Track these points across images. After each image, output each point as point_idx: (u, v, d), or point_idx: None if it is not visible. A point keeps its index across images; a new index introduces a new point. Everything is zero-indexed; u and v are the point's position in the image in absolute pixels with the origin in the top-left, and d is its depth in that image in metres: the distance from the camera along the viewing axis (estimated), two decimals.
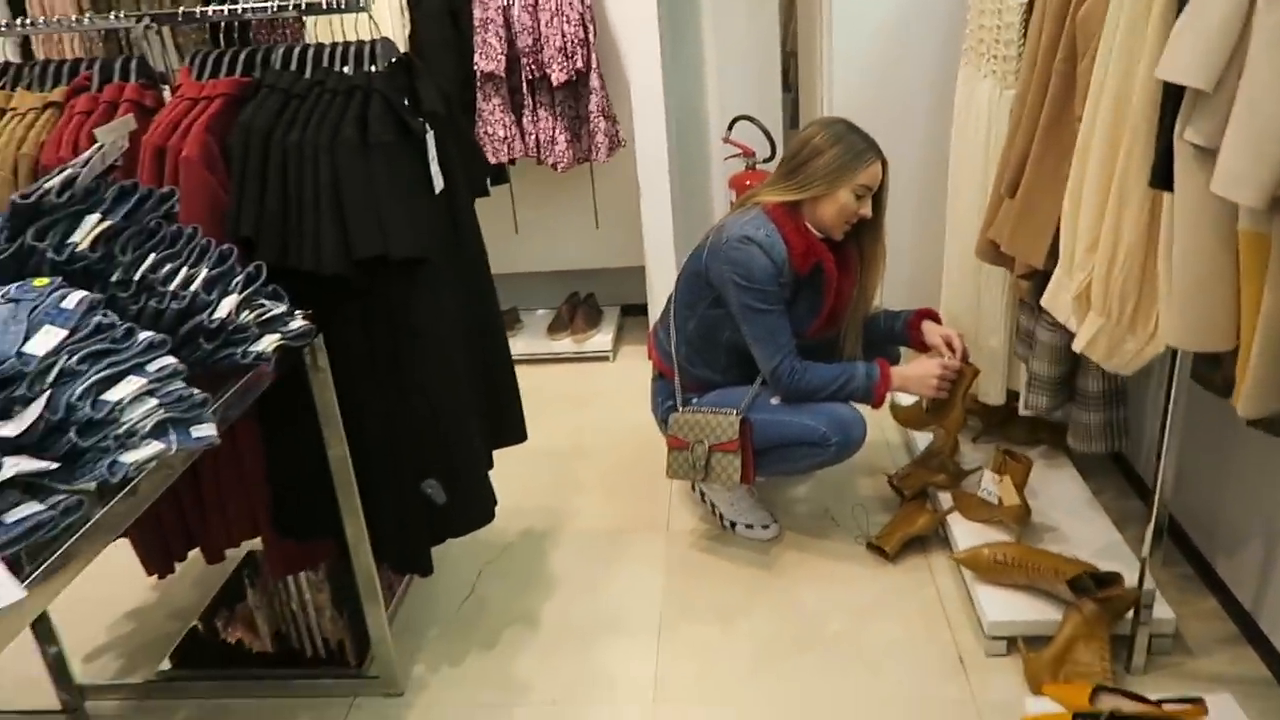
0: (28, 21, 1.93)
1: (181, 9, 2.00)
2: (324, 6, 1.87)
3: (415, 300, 1.73)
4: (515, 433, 2.18)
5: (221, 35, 2.85)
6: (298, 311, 1.57)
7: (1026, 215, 1.73)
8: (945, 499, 2.32)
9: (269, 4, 1.86)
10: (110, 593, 2.33)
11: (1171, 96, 1.15)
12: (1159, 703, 1.65)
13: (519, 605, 2.24)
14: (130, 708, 2.02)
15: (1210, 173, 1.09)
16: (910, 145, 2.65)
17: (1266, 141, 1.02)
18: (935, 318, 2.30)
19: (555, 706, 1.93)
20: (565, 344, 3.55)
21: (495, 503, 2.02)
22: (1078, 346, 1.53)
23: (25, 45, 2.98)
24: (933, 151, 2.64)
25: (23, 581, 0.99)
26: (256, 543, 2.00)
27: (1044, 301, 1.67)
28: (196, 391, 1.25)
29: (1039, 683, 1.81)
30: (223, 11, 1.90)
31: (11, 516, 1.01)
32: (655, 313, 3.11)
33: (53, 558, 1.04)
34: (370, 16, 1.93)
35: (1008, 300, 2.24)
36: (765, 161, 3.24)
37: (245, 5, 1.88)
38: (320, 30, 2.80)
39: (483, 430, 1.99)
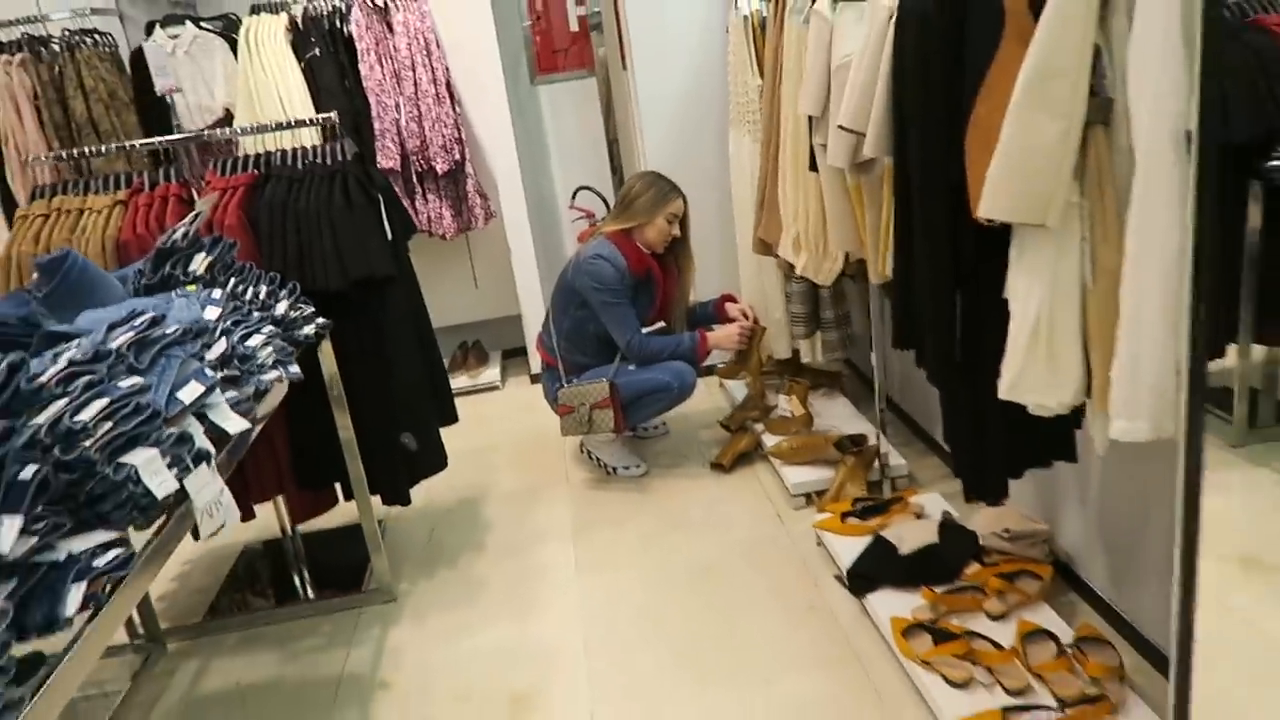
0: (84, 151, 2.71)
1: (207, 132, 2.83)
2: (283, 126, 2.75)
3: (386, 306, 2.60)
4: (451, 414, 3.03)
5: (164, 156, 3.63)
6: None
7: (771, 213, 2.78)
8: (759, 427, 3.31)
9: (247, 129, 2.73)
10: None
11: (808, 121, 2.19)
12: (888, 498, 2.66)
13: (468, 539, 3.06)
14: (189, 644, 2.71)
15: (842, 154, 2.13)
16: (706, 187, 3.69)
17: (841, 137, 2.04)
18: (733, 299, 3.33)
19: (508, 591, 2.76)
20: (463, 380, 4.40)
21: (446, 456, 2.87)
22: (798, 271, 2.57)
23: None
24: (721, 188, 3.69)
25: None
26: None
27: (779, 251, 2.71)
28: (288, 345, 2.09)
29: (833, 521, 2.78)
30: (225, 133, 2.75)
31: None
32: (532, 355, 4.03)
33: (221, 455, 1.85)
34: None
35: (781, 283, 3.28)
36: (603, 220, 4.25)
37: (237, 129, 2.74)
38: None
39: (433, 404, 2.84)
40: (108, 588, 1.24)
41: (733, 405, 3.57)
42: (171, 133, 3.22)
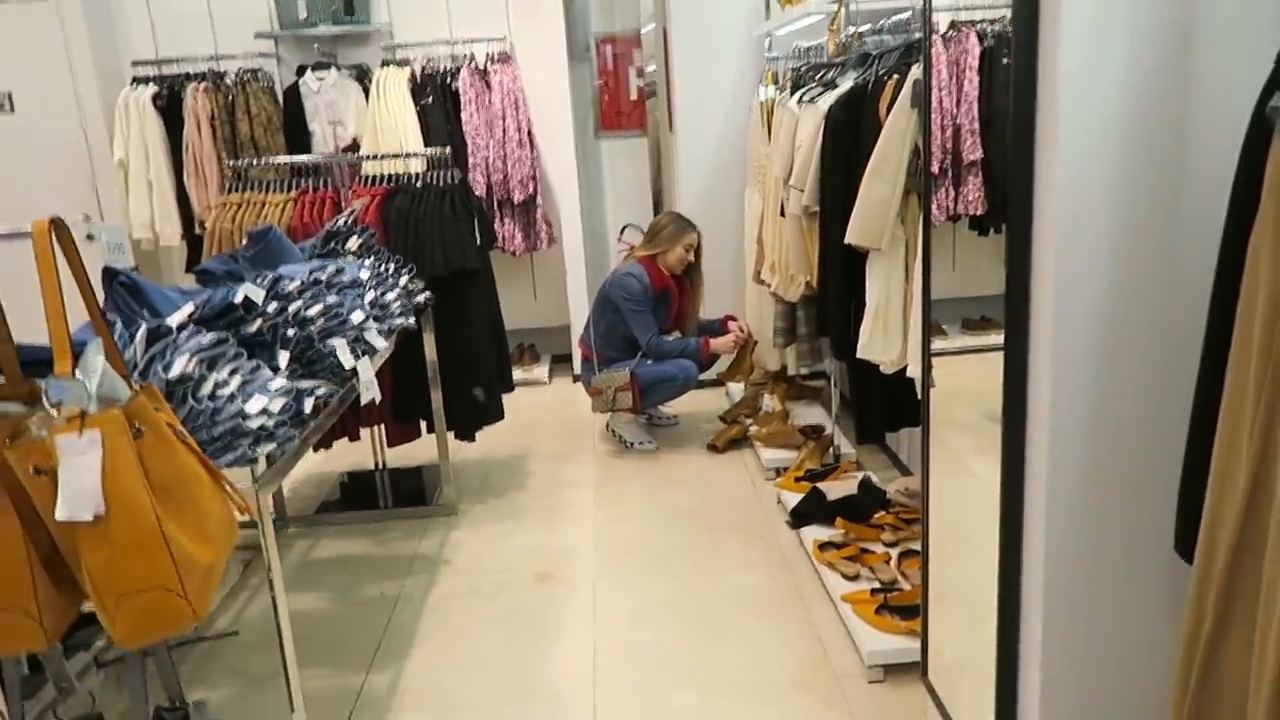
0: (249, 161, 3.71)
1: (353, 155, 3.84)
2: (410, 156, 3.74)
3: (472, 291, 3.55)
4: (509, 382, 3.95)
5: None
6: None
7: (762, 249, 3.70)
8: (749, 421, 4.18)
9: (381, 153, 3.72)
10: None
11: (782, 180, 3.12)
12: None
13: (513, 481, 3.97)
14: (304, 528, 3.63)
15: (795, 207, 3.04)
16: (726, 231, 4.61)
17: (793, 193, 2.94)
18: (734, 318, 4.24)
19: (540, 514, 3.65)
20: (518, 374, 5.27)
21: (504, 411, 3.79)
22: (772, 289, 3.46)
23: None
24: (737, 232, 4.61)
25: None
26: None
27: (762, 275, 3.62)
28: (407, 304, 3.03)
29: (788, 481, 3.64)
30: (359, 156, 3.75)
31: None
32: (576, 359, 4.97)
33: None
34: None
35: (774, 308, 4.17)
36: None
37: (375, 154, 3.74)
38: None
39: (497, 368, 3.78)
40: (325, 402, 2.18)
41: (730, 403, 4.44)
42: (309, 152, 4.24)
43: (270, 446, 1.82)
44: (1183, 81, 1.34)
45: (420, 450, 3.92)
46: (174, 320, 1.85)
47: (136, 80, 4.85)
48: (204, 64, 4.85)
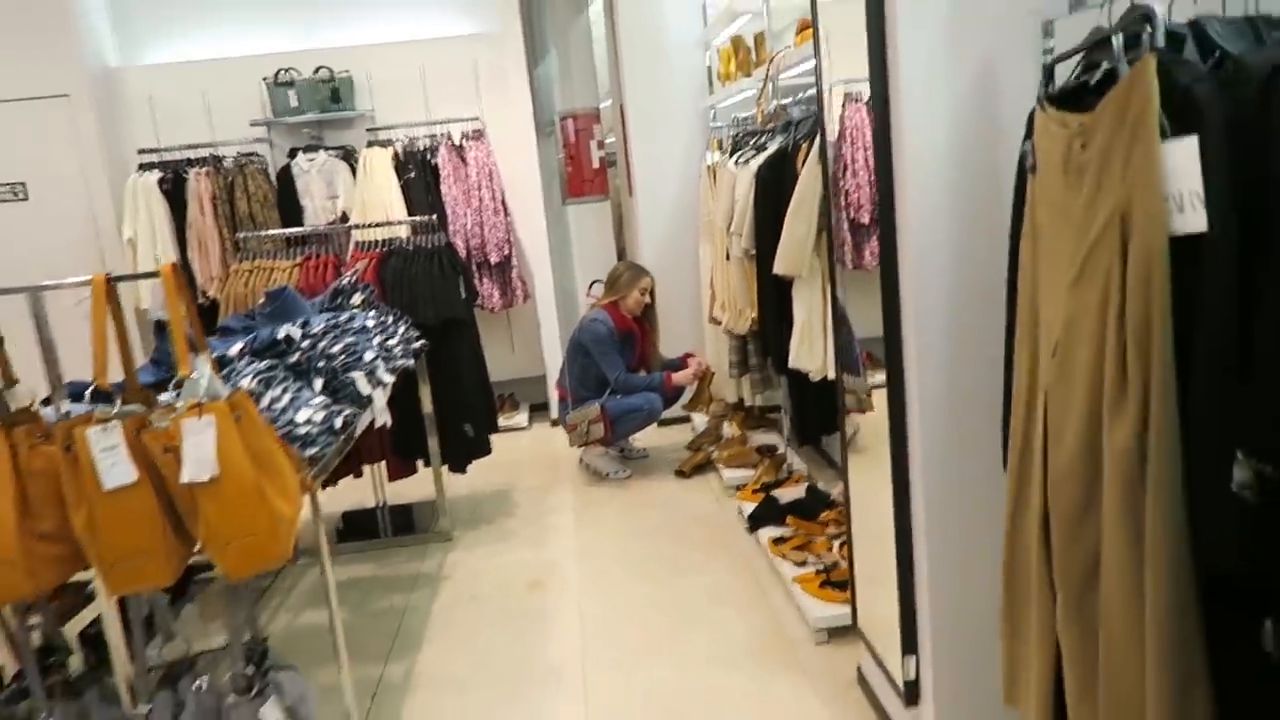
0: (256, 234, 4.18)
1: (352, 224, 4.32)
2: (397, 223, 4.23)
3: (460, 338, 4.01)
4: (495, 422, 4.40)
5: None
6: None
7: (716, 294, 4.21)
8: (712, 448, 4.64)
9: (373, 222, 4.21)
10: None
11: (726, 230, 3.63)
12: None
13: (501, 510, 4.39)
14: (311, 559, 4.02)
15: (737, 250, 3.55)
16: (682, 279, 5.13)
17: (734, 239, 3.46)
18: (693, 355, 4.73)
19: (528, 537, 4.07)
20: (500, 420, 5.76)
21: (491, 446, 4.23)
22: (723, 326, 3.96)
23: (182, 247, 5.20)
24: (693, 281, 5.13)
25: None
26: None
27: (714, 314, 4.12)
28: (406, 348, 3.49)
29: (746, 493, 4.09)
30: (348, 225, 4.24)
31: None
32: (553, 406, 5.44)
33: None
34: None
35: (727, 343, 4.67)
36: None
37: (367, 224, 4.23)
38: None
39: (485, 407, 4.23)
40: (351, 420, 2.62)
41: (694, 433, 4.92)
42: (302, 224, 4.75)
43: (314, 449, 2.26)
44: (995, 131, 1.86)
45: (415, 489, 4.34)
46: (232, 351, 2.30)
47: (142, 166, 5.33)
48: (204, 150, 5.35)
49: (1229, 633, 1.27)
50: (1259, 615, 1.25)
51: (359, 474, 4.11)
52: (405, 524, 4.26)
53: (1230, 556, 1.21)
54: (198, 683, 1.85)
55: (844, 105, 2.36)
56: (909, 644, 2.18)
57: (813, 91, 3.11)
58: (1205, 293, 1.20)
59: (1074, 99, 1.47)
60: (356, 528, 4.29)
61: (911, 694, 2.20)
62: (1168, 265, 1.23)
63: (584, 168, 6.07)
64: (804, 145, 2.88)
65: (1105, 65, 1.41)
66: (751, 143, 3.66)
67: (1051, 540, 1.47)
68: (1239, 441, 1.15)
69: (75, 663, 2.07)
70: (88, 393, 1.84)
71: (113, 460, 1.65)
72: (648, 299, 4.61)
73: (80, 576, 1.85)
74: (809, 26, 2.48)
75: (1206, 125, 1.19)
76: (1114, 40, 1.34)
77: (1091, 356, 1.34)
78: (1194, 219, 1.21)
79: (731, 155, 3.76)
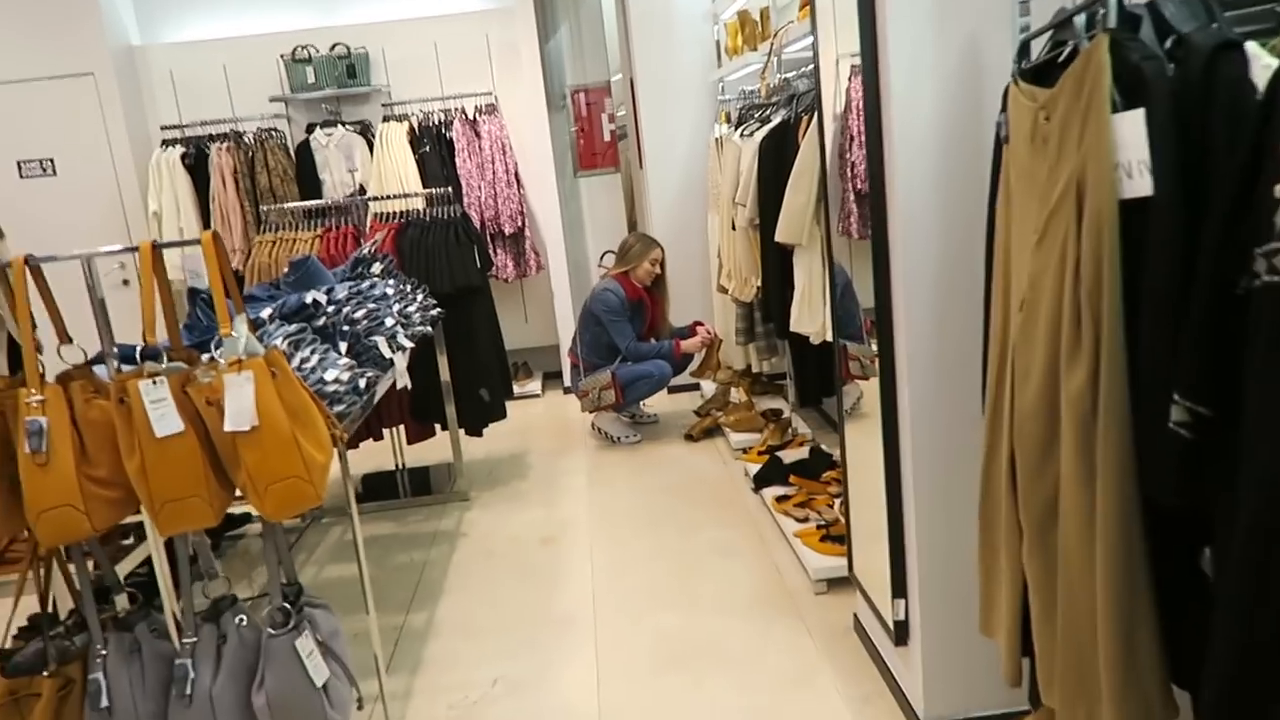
0: (279, 207, 4.32)
1: (370, 197, 4.47)
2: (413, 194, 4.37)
3: (475, 306, 4.16)
4: (510, 388, 4.56)
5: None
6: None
7: (724, 264, 4.34)
8: (720, 413, 4.79)
9: (388, 195, 4.35)
10: None
11: (732, 201, 3.75)
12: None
13: (515, 473, 4.56)
14: (335, 518, 4.20)
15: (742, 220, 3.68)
16: (692, 250, 5.26)
17: (740, 209, 3.58)
18: (702, 323, 4.87)
19: (542, 497, 4.24)
20: (514, 389, 5.93)
21: (506, 410, 4.39)
22: (730, 294, 4.09)
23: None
24: (702, 250, 5.26)
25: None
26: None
27: (721, 282, 4.24)
28: (424, 314, 3.64)
29: (752, 455, 4.24)
30: (367, 198, 4.38)
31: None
32: (566, 374, 5.59)
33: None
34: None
35: (734, 311, 4.80)
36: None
37: (384, 195, 4.37)
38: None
39: (499, 372, 4.38)
40: (374, 380, 2.78)
41: (703, 399, 5.07)
42: (320, 198, 4.90)
43: (341, 407, 2.42)
44: (978, 103, 1.98)
45: (432, 452, 4.51)
46: (264, 314, 2.45)
47: (165, 142, 5.48)
48: (225, 126, 5.49)
49: (1172, 559, 1.41)
50: (1199, 542, 1.39)
51: (379, 437, 4.27)
52: (423, 485, 4.43)
53: (1170, 489, 1.35)
54: (239, 618, 2.01)
55: (850, 78, 2.47)
56: (898, 588, 2.33)
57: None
58: (1150, 251, 1.33)
59: (1044, 74, 1.60)
60: (376, 490, 4.46)
61: (901, 634, 2.35)
62: (1117, 227, 1.36)
63: (595, 141, 6.18)
64: (805, 118, 3.00)
65: (1072, 43, 1.54)
66: (756, 116, 3.77)
67: (1017, 480, 1.61)
68: (1175, 385, 1.29)
69: (121, 602, 2.25)
70: (137, 351, 1.99)
71: (162, 411, 1.81)
72: (658, 270, 4.74)
73: (128, 520, 2.01)
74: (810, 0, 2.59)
75: (1153, 99, 1.32)
76: (1075, 20, 1.47)
77: (1051, 310, 1.47)
78: (1141, 184, 1.34)
79: (737, 128, 3.88)
